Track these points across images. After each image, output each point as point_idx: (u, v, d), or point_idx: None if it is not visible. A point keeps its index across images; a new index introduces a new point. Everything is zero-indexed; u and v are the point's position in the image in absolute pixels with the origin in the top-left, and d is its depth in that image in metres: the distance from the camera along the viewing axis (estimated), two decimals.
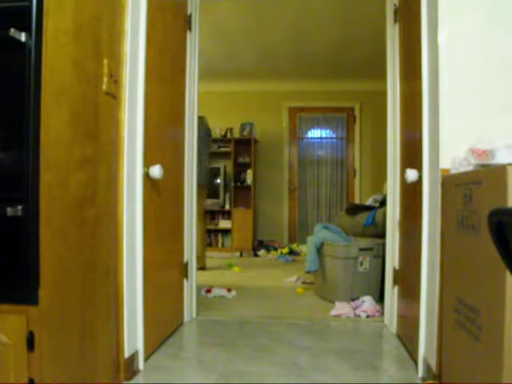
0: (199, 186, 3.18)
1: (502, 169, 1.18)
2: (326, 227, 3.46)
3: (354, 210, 3.84)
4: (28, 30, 1.17)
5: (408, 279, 2.22)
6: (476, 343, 1.31)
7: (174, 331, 2.47)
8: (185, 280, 2.66)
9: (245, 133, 6.15)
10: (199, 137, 3.22)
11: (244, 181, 6.15)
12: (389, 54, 2.59)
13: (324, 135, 6.57)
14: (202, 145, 4.08)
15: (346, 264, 3.10)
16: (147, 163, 1.98)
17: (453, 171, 1.64)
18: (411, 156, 2.16)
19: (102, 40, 1.59)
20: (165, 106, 2.29)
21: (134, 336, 1.89)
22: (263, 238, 6.32)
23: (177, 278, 2.56)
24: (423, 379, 1.83)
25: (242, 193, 6.24)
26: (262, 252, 5.83)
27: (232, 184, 6.09)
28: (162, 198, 2.23)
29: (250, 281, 4.01)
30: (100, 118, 1.59)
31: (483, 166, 1.51)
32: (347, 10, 4.02)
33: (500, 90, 1.70)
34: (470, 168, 1.55)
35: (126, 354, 1.80)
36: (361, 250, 3.11)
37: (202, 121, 4.10)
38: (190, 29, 2.67)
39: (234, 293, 3.35)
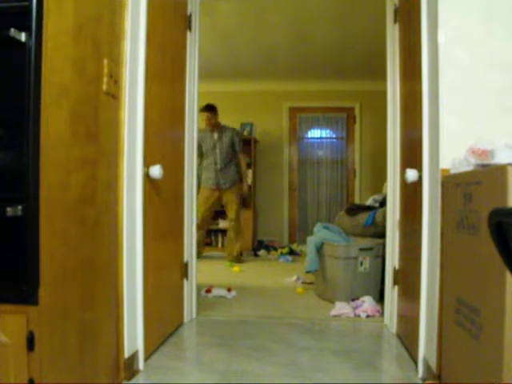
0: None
1: (501, 169, 1.18)
2: (326, 227, 3.45)
3: (354, 210, 3.84)
4: (28, 30, 1.17)
5: (408, 279, 2.22)
6: (476, 343, 1.31)
7: (174, 331, 2.47)
8: (185, 280, 2.66)
9: (245, 133, 6.15)
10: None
11: None
12: (389, 54, 2.59)
13: (324, 135, 6.57)
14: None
15: (346, 264, 3.10)
16: (147, 163, 1.98)
17: (453, 171, 1.64)
18: (411, 156, 2.16)
19: (102, 40, 1.59)
20: (165, 106, 2.29)
21: (133, 336, 1.89)
22: (263, 238, 6.31)
23: (177, 278, 2.56)
24: (423, 379, 1.83)
25: None
26: (261, 252, 5.82)
27: None
28: (162, 197, 2.23)
29: (250, 281, 4.01)
30: (100, 118, 1.59)
31: (483, 165, 1.51)
32: (347, 10, 4.02)
33: (500, 90, 1.69)
34: (469, 168, 1.55)
35: (126, 354, 1.80)
36: (361, 250, 3.11)
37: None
38: (190, 29, 2.67)
39: (233, 293, 3.35)
